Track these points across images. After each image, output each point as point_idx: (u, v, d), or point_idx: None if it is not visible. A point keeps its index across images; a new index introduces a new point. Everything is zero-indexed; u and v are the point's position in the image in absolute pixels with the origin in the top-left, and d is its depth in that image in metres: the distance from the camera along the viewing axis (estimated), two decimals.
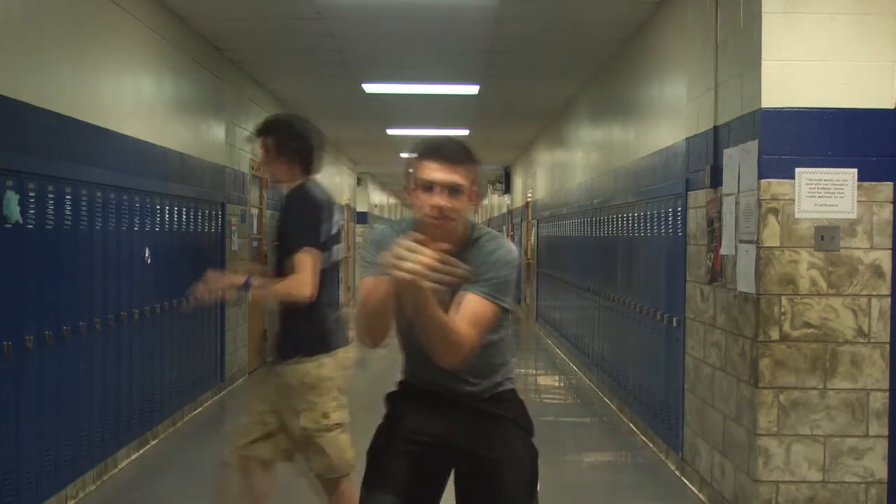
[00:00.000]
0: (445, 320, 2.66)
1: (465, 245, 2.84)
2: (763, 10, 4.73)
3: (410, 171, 2.84)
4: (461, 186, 2.78)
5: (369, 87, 10.76)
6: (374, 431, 3.05)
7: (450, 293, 2.73)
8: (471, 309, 2.75)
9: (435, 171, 2.77)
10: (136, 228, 6.40)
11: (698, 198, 5.77)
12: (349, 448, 4.01)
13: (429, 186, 2.77)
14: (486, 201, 27.06)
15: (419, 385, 3.00)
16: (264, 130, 4.19)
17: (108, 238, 5.90)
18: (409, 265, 2.47)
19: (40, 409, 5.00)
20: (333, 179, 17.74)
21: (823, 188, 4.72)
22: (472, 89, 10.82)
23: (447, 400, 2.93)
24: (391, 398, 3.12)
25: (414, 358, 2.96)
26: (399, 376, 3.06)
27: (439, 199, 2.76)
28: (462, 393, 2.92)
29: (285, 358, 3.96)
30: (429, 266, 2.48)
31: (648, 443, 7.01)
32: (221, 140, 9.00)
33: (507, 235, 20.14)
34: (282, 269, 3.97)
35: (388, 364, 12.24)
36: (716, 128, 5.45)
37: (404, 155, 18.60)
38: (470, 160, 2.84)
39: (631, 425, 7.61)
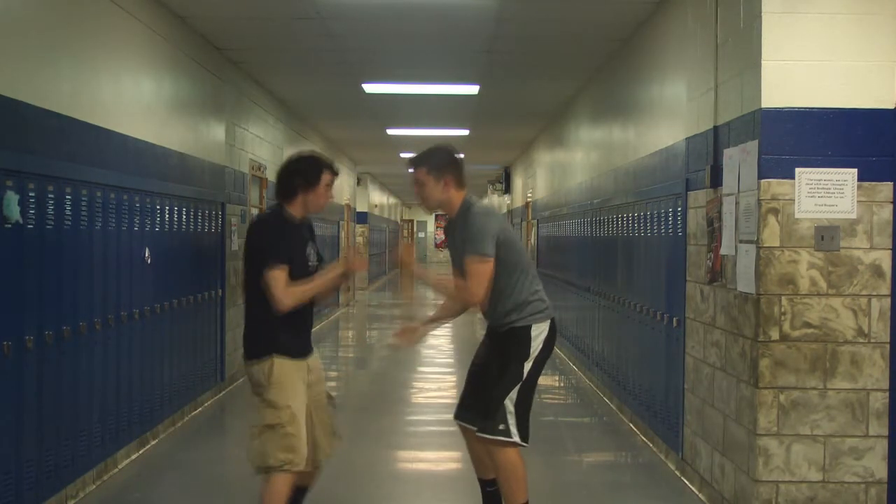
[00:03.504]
0: (438, 312, 4.82)
1: (458, 210, 4.58)
2: (763, 10, 4.73)
3: None
4: (420, 181, 4.60)
5: (369, 87, 10.76)
6: None
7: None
8: (471, 267, 4.43)
9: (412, 175, 4.64)
10: (136, 228, 6.40)
11: (698, 198, 5.78)
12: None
13: (413, 183, 4.68)
14: (486, 200, 27.04)
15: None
16: None
17: (108, 238, 5.90)
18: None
19: (40, 409, 5.00)
20: None
21: (823, 188, 4.72)
22: (472, 89, 10.82)
23: (489, 329, 4.71)
24: None
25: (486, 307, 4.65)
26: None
27: (416, 190, 4.66)
28: (491, 326, 4.67)
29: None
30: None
31: (648, 443, 7.01)
32: (221, 140, 9.01)
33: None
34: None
35: (388, 364, 12.23)
36: (716, 128, 5.45)
37: (403, 155, 18.62)
38: (422, 163, 4.60)
39: (631, 425, 7.61)
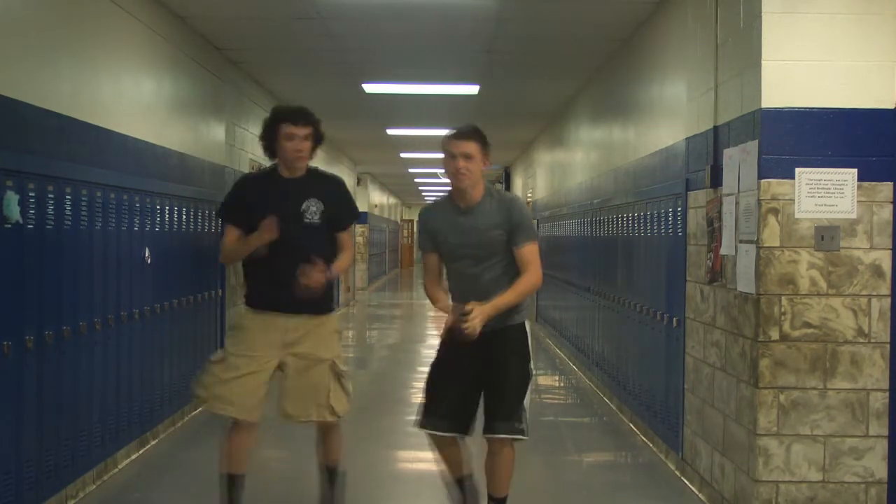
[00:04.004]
0: (512, 296, 4.38)
1: (483, 197, 4.47)
2: (763, 10, 4.73)
3: (443, 149, 4.45)
4: (471, 154, 4.39)
5: (369, 87, 10.76)
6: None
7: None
8: (527, 254, 4.44)
9: (455, 146, 4.40)
10: (136, 228, 6.40)
11: (698, 198, 5.78)
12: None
13: (452, 155, 4.40)
14: None
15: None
16: (312, 118, 4.60)
17: (108, 238, 5.90)
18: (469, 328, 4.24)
19: (40, 409, 4.99)
20: None
21: (823, 188, 4.72)
22: (472, 89, 10.82)
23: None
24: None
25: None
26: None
27: (459, 162, 4.37)
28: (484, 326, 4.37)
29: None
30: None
31: (648, 443, 7.01)
32: (221, 140, 9.00)
33: None
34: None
35: (388, 364, 12.21)
36: (716, 128, 5.45)
37: (404, 155, 18.63)
38: (477, 137, 4.43)
39: (631, 425, 7.61)
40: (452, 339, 4.37)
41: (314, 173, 4.68)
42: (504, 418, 4.42)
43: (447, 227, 4.53)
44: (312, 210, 4.52)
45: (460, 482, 4.71)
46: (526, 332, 4.55)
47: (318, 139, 4.61)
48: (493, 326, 4.45)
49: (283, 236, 4.44)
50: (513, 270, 4.48)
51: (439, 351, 4.62)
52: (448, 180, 4.50)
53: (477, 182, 4.46)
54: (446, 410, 4.51)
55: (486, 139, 4.50)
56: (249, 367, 4.46)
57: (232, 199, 4.71)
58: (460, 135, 4.44)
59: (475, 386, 4.53)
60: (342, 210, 4.67)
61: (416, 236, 45.10)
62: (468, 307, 4.25)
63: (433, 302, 4.61)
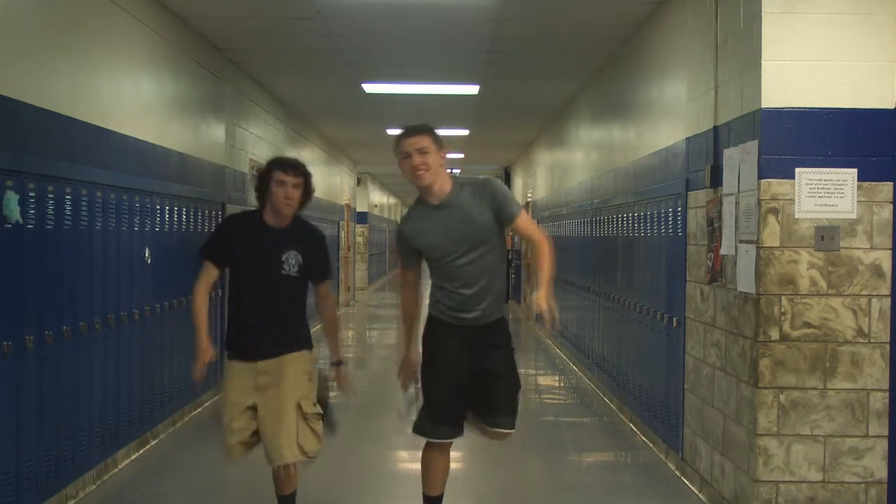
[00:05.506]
0: (549, 268, 4.49)
1: (452, 188, 4.34)
2: (763, 10, 4.73)
3: (396, 152, 4.32)
4: (425, 148, 4.26)
5: (369, 87, 10.77)
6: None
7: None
8: (524, 224, 4.46)
9: (408, 144, 4.27)
10: (136, 228, 6.40)
11: (698, 198, 5.78)
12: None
13: (407, 154, 4.27)
14: None
15: (447, 321, 4.42)
16: (304, 170, 4.62)
17: (108, 238, 5.90)
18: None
19: (40, 409, 4.99)
20: (333, 179, 17.74)
21: (823, 188, 4.72)
22: (472, 89, 10.82)
23: (466, 328, 4.39)
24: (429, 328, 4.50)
25: (452, 304, 4.39)
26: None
27: (416, 159, 4.25)
28: (468, 324, 4.38)
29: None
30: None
31: (648, 443, 7.02)
32: (221, 140, 9.00)
33: (508, 235, 20.16)
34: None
35: (388, 364, 12.19)
36: (716, 128, 5.45)
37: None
38: (427, 131, 4.31)
39: (631, 425, 7.61)
40: (436, 342, 4.45)
41: (298, 224, 4.66)
42: (510, 413, 4.52)
43: (426, 229, 4.37)
44: (291, 262, 4.54)
45: (434, 501, 4.60)
46: (507, 324, 4.63)
47: (307, 192, 4.60)
48: (483, 322, 4.41)
49: (259, 284, 4.53)
50: (502, 255, 4.48)
51: (426, 354, 4.49)
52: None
53: (438, 175, 4.30)
54: (452, 416, 4.46)
55: (436, 131, 4.37)
56: (229, 416, 4.55)
57: (215, 238, 4.77)
58: (410, 132, 4.34)
59: (468, 382, 4.44)
60: (318, 265, 4.66)
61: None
62: (539, 306, 4.24)
63: (404, 325, 4.56)
